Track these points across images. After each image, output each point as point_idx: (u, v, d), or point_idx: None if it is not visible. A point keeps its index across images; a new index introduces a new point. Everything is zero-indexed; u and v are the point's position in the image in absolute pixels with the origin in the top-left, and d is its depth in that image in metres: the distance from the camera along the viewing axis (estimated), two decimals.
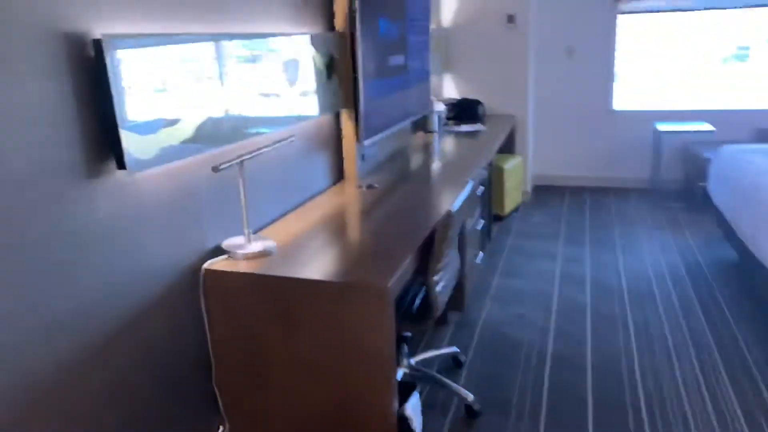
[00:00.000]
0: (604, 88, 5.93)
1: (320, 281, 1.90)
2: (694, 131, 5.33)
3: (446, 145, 4.16)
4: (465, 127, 4.82)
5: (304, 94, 2.67)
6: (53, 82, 1.50)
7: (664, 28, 5.78)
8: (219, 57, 2.05)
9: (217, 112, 2.06)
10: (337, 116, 3.16)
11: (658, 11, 5.70)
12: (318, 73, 2.79)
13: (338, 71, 3.01)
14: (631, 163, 6.07)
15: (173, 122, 1.83)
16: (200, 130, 1.96)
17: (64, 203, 1.55)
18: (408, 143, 4.20)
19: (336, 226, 2.44)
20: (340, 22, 2.99)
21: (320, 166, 3.00)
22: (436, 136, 4.53)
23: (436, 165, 3.51)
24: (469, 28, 5.48)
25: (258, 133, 2.33)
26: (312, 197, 2.91)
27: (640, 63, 5.92)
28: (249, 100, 2.25)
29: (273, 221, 2.56)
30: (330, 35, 2.91)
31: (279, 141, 2.27)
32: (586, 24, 5.82)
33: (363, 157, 3.26)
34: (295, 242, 2.25)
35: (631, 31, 5.84)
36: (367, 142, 3.10)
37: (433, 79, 5.27)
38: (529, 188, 5.81)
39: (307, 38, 2.67)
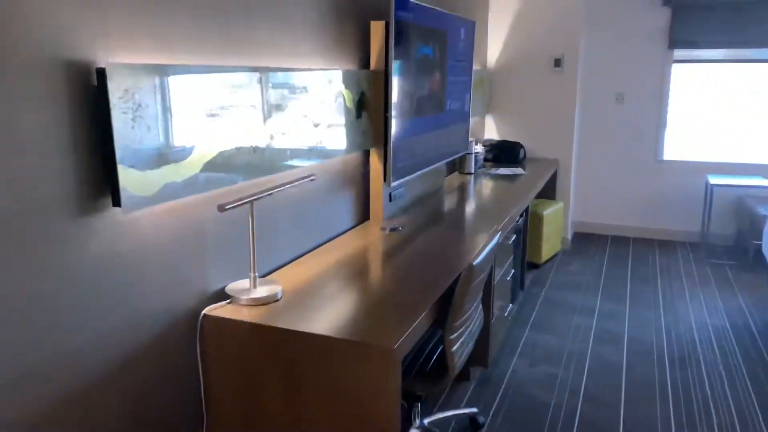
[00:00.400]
0: (655, 137, 5.70)
1: (321, 336, 1.76)
2: (749, 186, 5.06)
3: (482, 187, 4.01)
4: (503, 170, 4.66)
5: (330, 130, 2.57)
6: (51, 111, 1.43)
7: (720, 79, 5.55)
8: (235, 90, 1.96)
9: (230, 148, 1.97)
10: (366, 154, 3.05)
11: (714, 61, 5.48)
12: (347, 110, 2.70)
13: (369, 109, 2.91)
14: (679, 215, 5.79)
15: (179, 158, 1.74)
16: (210, 166, 1.87)
17: (54, 240, 1.46)
18: (441, 184, 4.06)
19: (351, 271, 2.30)
20: (374, 59, 2.90)
21: (344, 205, 2.89)
22: (471, 178, 4.38)
23: (468, 209, 3.35)
24: (514, 71, 5.36)
25: (275, 171, 2.23)
26: (332, 238, 2.79)
27: (693, 113, 5.68)
28: (266, 136, 2.16)
29: (289, 262, 2.45)
30: (363, 73, 2.82)
31: (297, 180, 2.16)
32: (638, 72, 5.63)
33: (390, 198, 3.14)
34: (305, 288, 2.13)
35: (685, 80, 5.61)
36: (394, 183, 2.98)
37: (475, 120, 5.14)
38: (569, 235, 5.58)
39: (338, 74, 2.58)
